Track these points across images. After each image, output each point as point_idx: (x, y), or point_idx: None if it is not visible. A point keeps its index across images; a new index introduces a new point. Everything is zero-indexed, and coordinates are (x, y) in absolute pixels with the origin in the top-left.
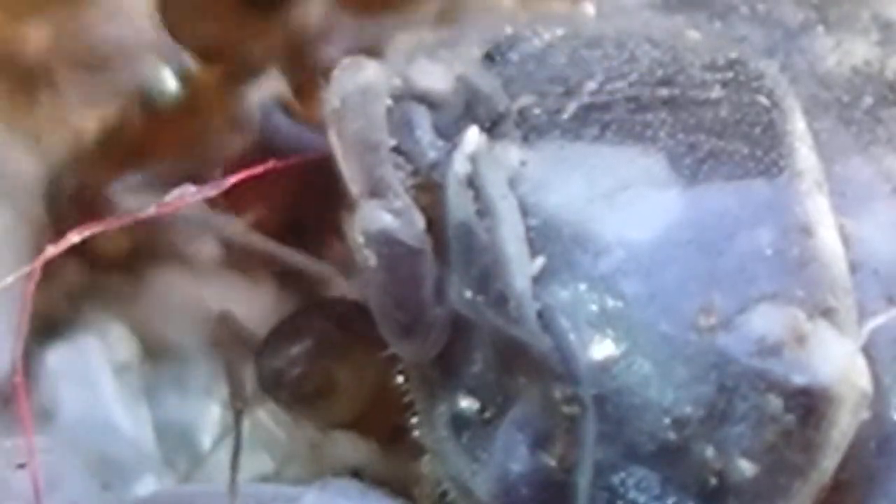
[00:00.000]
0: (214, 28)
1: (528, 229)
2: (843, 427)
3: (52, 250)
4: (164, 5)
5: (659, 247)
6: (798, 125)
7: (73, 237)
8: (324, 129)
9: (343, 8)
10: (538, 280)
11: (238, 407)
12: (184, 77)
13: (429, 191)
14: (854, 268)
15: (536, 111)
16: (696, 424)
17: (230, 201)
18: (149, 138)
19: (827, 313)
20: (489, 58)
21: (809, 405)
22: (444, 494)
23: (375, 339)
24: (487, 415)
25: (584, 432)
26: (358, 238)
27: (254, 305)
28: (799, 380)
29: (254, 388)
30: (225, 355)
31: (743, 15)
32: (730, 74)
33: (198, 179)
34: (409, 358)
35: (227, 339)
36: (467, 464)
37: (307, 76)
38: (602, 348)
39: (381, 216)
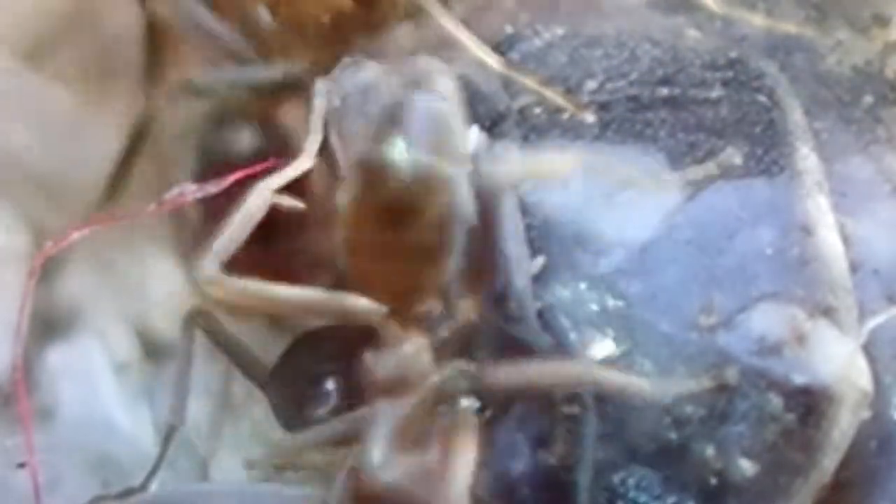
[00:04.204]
0: None
1: (528, 229)
2: (843, 426)
3: (52, 249)
4: None
5: (659, 246)
6: (798, 125)
7: (73, 236)
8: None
9: None
10: (538, 279)
11: (175, 422)
12: None
13: None
14: (854, 267)
15: (537, 110)
16: (696, 424)
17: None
18: None
19: (827, 312)
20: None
21: (810, 404)
22: None
23: None
24: (487, 415)
25: (584, 432)
26: None
27: None
28: (799, 379)
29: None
30: (177, 365)
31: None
32: (730, 74)
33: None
34: None
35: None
36: None
37: None
38: (602, 348)
39: None
